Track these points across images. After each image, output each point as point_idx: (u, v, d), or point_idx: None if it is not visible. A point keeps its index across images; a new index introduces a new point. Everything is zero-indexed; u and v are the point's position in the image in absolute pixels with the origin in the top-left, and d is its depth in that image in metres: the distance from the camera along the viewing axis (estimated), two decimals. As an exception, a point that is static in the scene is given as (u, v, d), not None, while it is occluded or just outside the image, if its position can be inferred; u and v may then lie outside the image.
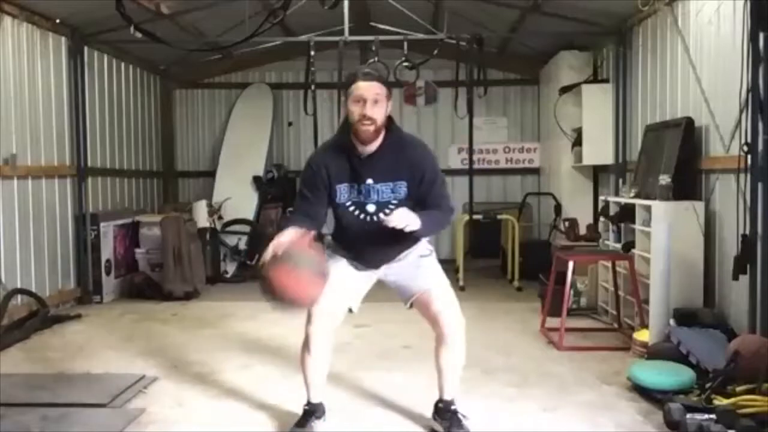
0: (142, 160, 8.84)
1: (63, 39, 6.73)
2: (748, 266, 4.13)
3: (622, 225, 5.73)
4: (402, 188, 3.17)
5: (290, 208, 9.03)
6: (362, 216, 3.18)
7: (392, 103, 3.24)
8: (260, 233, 8.67)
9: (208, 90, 10.03)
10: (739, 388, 3.52)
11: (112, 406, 3.83)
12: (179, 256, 7.19)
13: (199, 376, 4.42)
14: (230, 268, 8.56)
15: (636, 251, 5.31)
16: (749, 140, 4.10)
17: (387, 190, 3.15)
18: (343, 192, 3.17)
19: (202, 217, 8.04)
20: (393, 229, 3.01)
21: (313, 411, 3.42)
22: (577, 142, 7.79)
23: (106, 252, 7.12)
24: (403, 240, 3.18)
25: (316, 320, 3.24)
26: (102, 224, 7.05)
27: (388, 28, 7.24)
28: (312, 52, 7.12)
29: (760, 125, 4.00)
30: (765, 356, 3.60)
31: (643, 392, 3.89)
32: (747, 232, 4.14)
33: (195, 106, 10.04)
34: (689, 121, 5.14)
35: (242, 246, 8.60)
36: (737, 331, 4.30)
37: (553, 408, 3.78)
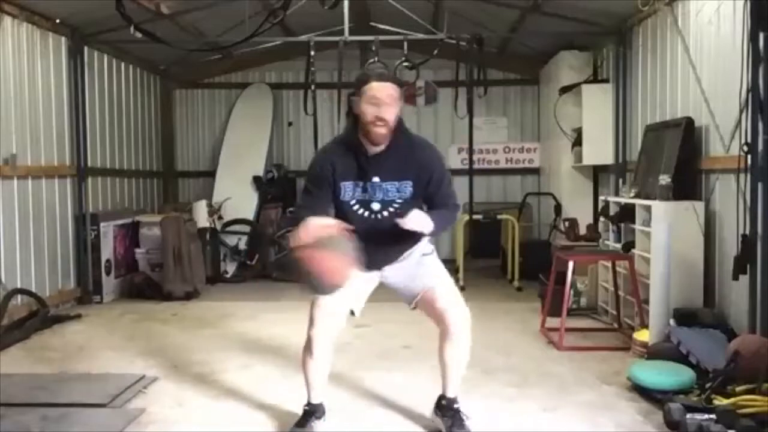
0: (142, 160, 8.84)
1: (63, 39, 6.73)
2: (748, 266, 4.13)
3: (622, 225, 5.73)
4: (408, 187, 3.17)
5: (291, 208, 9.16)
6: (366, 214, 3.18)
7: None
8: (260, 233, 8.68)
9: (208, 90, 10.03)
10: (739, 388, 3.52)
11: (112, 406, 3.83)
12: (179, 256, 7.19)
13: (199, 376, 4.42)
14: (230, 268, 8.56)
15: (636, 251, 5.31)
16: (749, 140, 4.10)
17: (393, 189, 3.15)
18: (347, 189, 3.16)
19: (202, 217, 8.04)
20: (397, 228, 3.02)
21: (313, 411, 3.41)
22: (577, 142, 7.80)
23: (106, 252, 7.12)
24: (406, 239, 3.19)
25: (319, 323, 3.23)
26: (102, 224, 7.05)
27: (388, 28, 7.24)
28: (312, 52, 7.12)
29: (760, 125, 4.00)
30: (765, 356, 3.60)
31: (643, 392, 3.89)
32: (747, 232, 4.14)
33: (195, 106, 10.05)
34: (689, 121, 5.14)
35: (242, 246, 8.60)
36: (737, 331, 4.30)
37: (553, 408, 3.78)
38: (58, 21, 6.48)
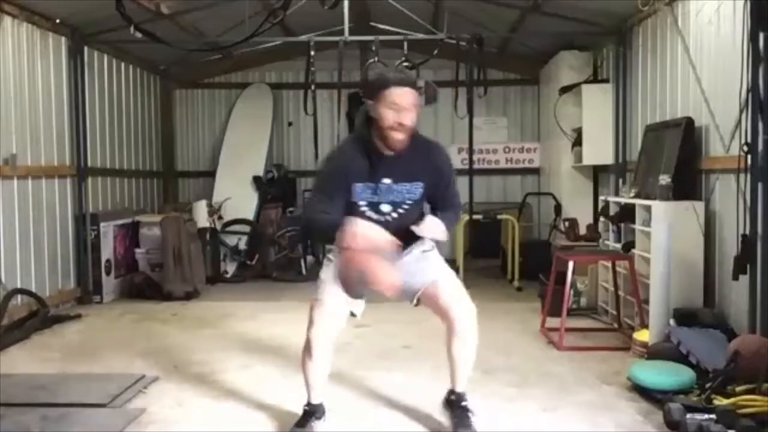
0: (142, 160, 8.85)
1: (63, 39, 6.73)
2: (748, 266, 4.13)
3: (622, 225, 5.73)
4: (418, 189, 3.16)
5: (291, 208, 9.16)
6: (374, 216, 3.15)
7: None
8: (260, 233, 8.68)
9: (208, 90, 10.04)
10: (739, 388, 3.52)
11: (112, 406, 3.83)
12: (179, 256, 7.19)
13: (200, 376, 4.42)
14: (230, 268, 8.56)
15: (636, 251, 5.31)
16: (749, 140, 4.10)
17: (403, 190, 3.14)
18: (358, 191, 3.13)
19: (202, 217, 8.04)
20: (403, 230, 3.03)
21: (313, 411, 3.41)
22: (577, 142, 7.80)
23: (106, 252, 7.12)
24: (410, 240, 3.19)
25: (318, 324, 3.23)
26: (102, 224, 7.05)
27: (388, 28, 7.24)
28: (312, 52, 7.12)
29: (760, 125, 4.00)
30: (765, 356, 3.60)
31: (643, 392, 3.89)
32: (747, 232, 4.14)
33: (195, 106, 10.05)
34: (689, 121, 5.14)
35: (242, 246, 8.60)
36: (737, 331, 4.30)
37: (553, 408, 3.78)
38: (58, 21, 6.48)
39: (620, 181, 6.56)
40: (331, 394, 3.61)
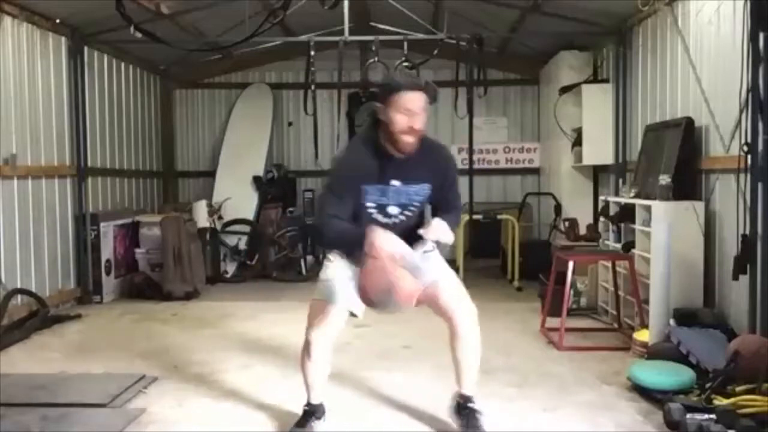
0: (142, 160, 8.85)
1: (63, 39, 6.73)
2: (748, 266, 4.13)
3: (622, 225, 5.73)
4: (425, 190, 3.17)
5: (291, 208, 9.16)
6: (381, 218, 3.14)
7: None
8: (260, 233, 8.68)
9: (208, 90, 10.04)
10: (739, 388, 3.52)
11: (112, 406, 3.83)
12: (179, 256, 7.19)
13: (199, 376, 4.42)
14: (230, 268, 8.56)
15: (636, 251, 5.31)
16: (749, 140, 4.10)
17: (411, 192, 3.14)
18: (367, 193, 3.11)
19: (202, 217, 8.04)
20: (408, 231, 3.04)
21: (313, 411, 3.42)
22: (577, 142, 7.80)
23: (106, 252, 7.12)
24: (412, 241, 3.19)
25: (318, 324, 3.22)
26: (102, 224, 7.05)
27: (388, 28, 7.23)
28: (312, 52, 7.11)
29: (760, 125, 4.00)
30: (765, 356, 3.60)
31: (643, 392, 3.89)
32: (747, 232, 4.14)
33: (195, 106, 10.05)
34: (689, 121, 5.14)
35: (242, 246, 8.60)
36: (737, 331, 4.30)
37: (553, 408, 3.78)
38: (58, 21, 6.48)
39: (620, 181, 6.56)
40: (331, 394, 3.61)
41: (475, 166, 8.25)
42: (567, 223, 7.67)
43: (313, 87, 7.30)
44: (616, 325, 5.57)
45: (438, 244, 3.18)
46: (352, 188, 3.08)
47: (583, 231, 7.45)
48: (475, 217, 7.65)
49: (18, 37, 5.99)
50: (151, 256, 7.46)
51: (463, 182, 7.63)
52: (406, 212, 3.16)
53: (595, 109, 7.39)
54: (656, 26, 6.04)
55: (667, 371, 3.93)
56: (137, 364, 4.67)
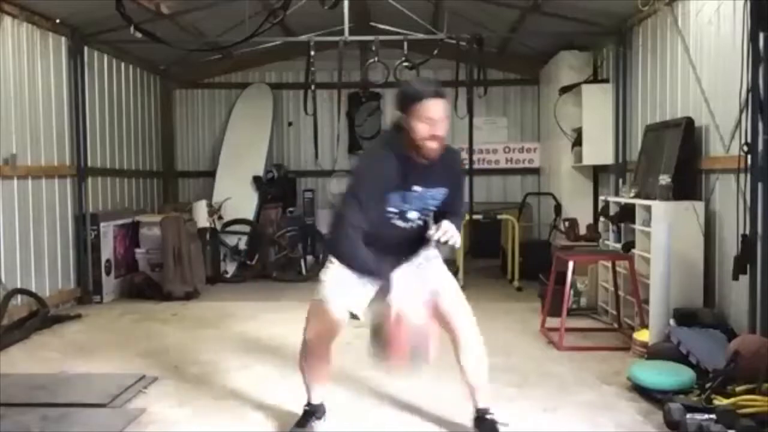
0: (142, 160, 8.84)
1: (63, 39, 6.73)
2: (748, 266, 4.13)
3: (622, 225, 5.73)
4: (441, 194, 3.17)
5: (291, 208, 9.15)
6: (400, 223, 3.13)
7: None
8: (260, 233, 8.68)
9: (208, 90, 10.04)
10: (739, 388, 3.52)
11: (112, 406, 3.83)
12: (179, 256, 7.19)
13: (199, 376, 4.42)
14: (230, 268, 8.56)
15: (636, 251, 5.31)
16: (749, 140, 4.10)
17: (428, 196, 3.13)
18: (391, 199, 3.08)
19: (202, 217, 8.04)
20: (419, 235, 3.06)
21: (313, 411, 3.42)
22: (577, 142, 7.80)
23: (106, 252, 7.12)
24: (421, 246, 3.20)
25: (317, 326, 3.22)
26: (102, 224, 7.05)
27: (388, 28, 7.23)
28: (312, 52, 7.11)
29: (760, 125, 4.00)
30: (765, 356, 3.60)
31: (643, 392, 3.89)
32: (747, 232, 4.14)
33: (195, 106, 10.05)
34: (689, 121, 5.14)
35: (242, 246, 8.60)
36: (737, 331, 4.30)
37: (553, 408, 3.78)
38: (58, 21, 6.48)
39: (620, 181, 6.56)
40: (331, 394, 3.61)
41: (475, 166, 8.25)
42: (567, 223, 7.68)
43: (313, 87, 7.31)
44: (616, 325, 5.57)
45: (442, 245, 3.17)
46: (376, 195, 3.04)
47: (583, 231, 7.45)
48: (475, 217, 7.64)
49: (18, 37, 5.99)
50: (151, 256, 7.46)
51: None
52: (423, 217, 3.17)
53: (595, 109, 7.39)
54: (656, 26, 6.04)
55: (667, 371, 3.93)
56: (137, 364, 4.67)
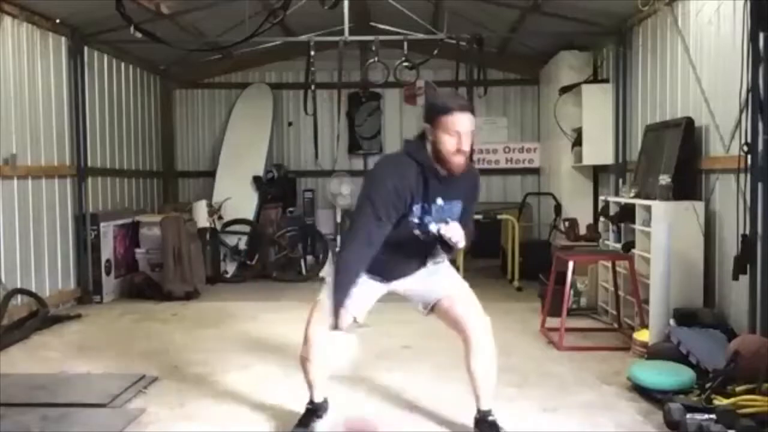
0: (142, 160, 8.84)
1: (63, 39, 6.73)
2: (748, 266, 4.13)
3: (622, 225, 5.73)
4: (458, 206, 3.17)
5: (291, 208, 9.15)
6: (419, 233, 3.11)
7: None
8: (260, 233, 8.68)
9: (208, 90, 10.04)
10: (739, 388, 3.52)
11: (112, 406, 3.83)
12: (179, 256, 7.19)
13: (200, 376, 4.42)
14: (230, 268, 8.56)
15: (636, 251, 5.31)
16: (749, 140, 4.10)
17: (447, 208, 3.12)
18: (413, 212, 3.07)
19: (202, 217, 8.04)
20: (432, 243, 3.08)
21: (315, 410, 3.42)
22: (577, 142, 7.79)
23: (106, 252, 7.12)
24: (432, 253, 3.20)
25: (318, 327, 3.22)
26: (102, 224, 7.05)
27: (388, 28, 7.23)
28: (312, 52, 7.11)
29: (760, 125, 4.00)
30: (765, 356, 3.60)
31: (643, 392, 3.89)
32: (747, 232, 4.14)
33: (195, 106, 10.05)
34: (689, 121, 5.14)
35: (242, 246, 8.60)
36: (737, 331, 4.30)
37: (553, 408, 3.78)
38: (58, 21, 6.48)
39: (620, 181, 6.56)
40: (331, 394, 3.61)
41: (475, 166, 8.22)
42: (567, 223, 7.67)
43: (313, 87, 7.30)
44: (616, 325, 5.57)
45: (450, 247, 3.16)
46: (399, 207, 3.01)
47: (583, 231, 7.45)
48: (475, 217, 7.62)
49: (18, 37, 5.99)
50: (151, 256, 7.46)
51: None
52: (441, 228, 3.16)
53: (595, 109, 7.39)
54: (656, 26, 6.04)
55: (667, 371, 3.93)
56: (137, 364, 4.67)
